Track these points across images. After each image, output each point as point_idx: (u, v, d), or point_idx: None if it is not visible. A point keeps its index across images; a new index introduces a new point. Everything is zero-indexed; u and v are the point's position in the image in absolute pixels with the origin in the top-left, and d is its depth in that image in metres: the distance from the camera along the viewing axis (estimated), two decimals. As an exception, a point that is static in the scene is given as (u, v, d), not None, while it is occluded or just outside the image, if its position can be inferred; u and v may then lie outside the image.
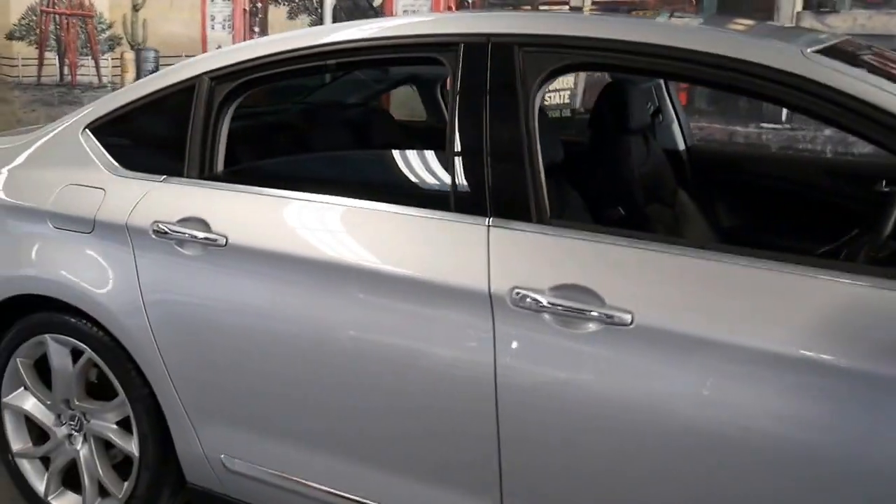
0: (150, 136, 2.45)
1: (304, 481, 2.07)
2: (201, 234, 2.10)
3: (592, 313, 1.61)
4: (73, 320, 2.35)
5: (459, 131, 1.88)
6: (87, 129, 2.44)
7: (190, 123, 2.25)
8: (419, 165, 2.09)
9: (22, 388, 2.55)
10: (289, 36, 2.26)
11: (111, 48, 6.01)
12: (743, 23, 2.14)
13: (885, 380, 1.43)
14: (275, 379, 2.03)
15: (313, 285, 1.94)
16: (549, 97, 4.74)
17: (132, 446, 2.35)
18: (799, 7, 4.23)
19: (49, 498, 2.53)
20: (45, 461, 2.57)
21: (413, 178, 2.07)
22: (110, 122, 2.42)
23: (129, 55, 5.97)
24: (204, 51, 5.66)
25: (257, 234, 2.05)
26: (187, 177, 2.23)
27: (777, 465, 1.51)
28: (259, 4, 5.46)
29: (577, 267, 1.66)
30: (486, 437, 1.76)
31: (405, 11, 5.04)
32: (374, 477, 1.97)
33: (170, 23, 5.81)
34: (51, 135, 2.55)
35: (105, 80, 6.05)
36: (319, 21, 5.28)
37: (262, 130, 2.79)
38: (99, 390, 2.45)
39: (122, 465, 2.48)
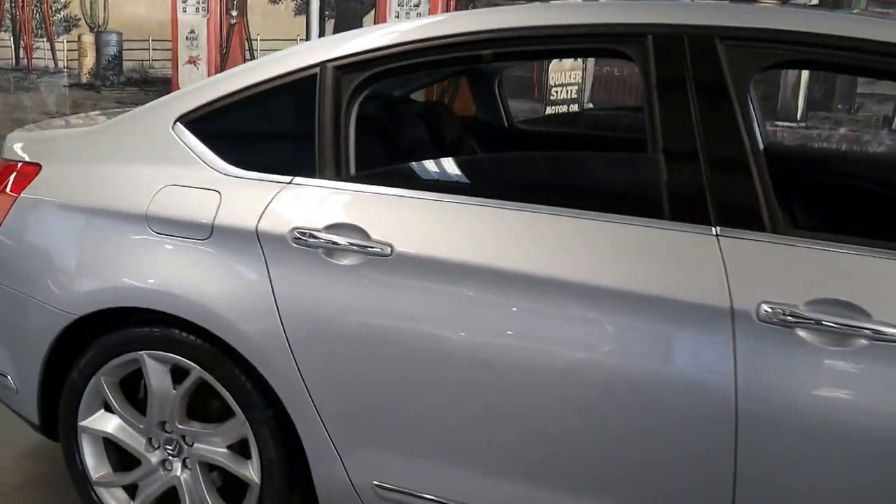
0: (263, 132, 2.24)
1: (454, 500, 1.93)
2: (362, 243, 1.92)
3: (862, 329, 1.55)
4: (180, 336, 2.12)
5: (665, 132, 1.77)
6: (178, 123, 2.20)
7: (316, 118, 2.06)
8: (614, 166, 1.97)
9: (101, 409, 2.30)
10: (432, 22, 2.08)
11: (67, 30, 5.56)
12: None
13: None
14: (452, 397, 1.87)
15: (510, 300, 1.79)
16: (556, 91, 4.68)
17: (250, 472, 2.15)
18: (809, 5, 4.32)
19: (139, 531, 2.30)
20: (131, 489, 2.33)
21: (612, 182, 1.94)
22: (209, 114, 2.19)
23: (88, 38, 5.55)
24: (174, 35, 5.32)
25: (430, 242, 1.88)
26: (320, 178, 2.04)
27: None
28: (238, -14, 5.16)
29: (835, 280, 1.59)
30: (720, 470, 1.67)
31: (402, -4, 4.87)
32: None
33: (134, 4, 5.42)
34: (128, 127, 2.30)
35: (61, 64, 5.59)
36: (306, 6, 5.04)
37: (397, 127, 2.59)
38: (199, 411, 2.24)
39: (221, 491, 2.27)
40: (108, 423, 2.30)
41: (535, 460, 1.84)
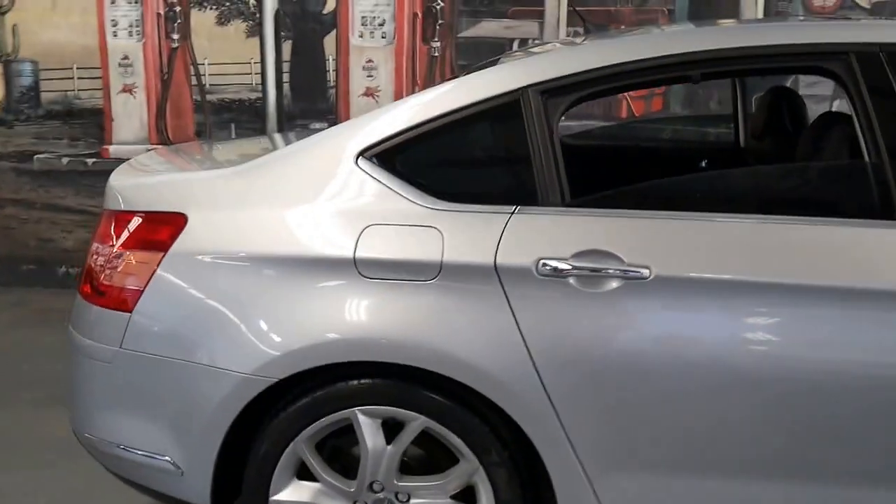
0: (463, 162, 2.13)
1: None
2: (617, 268, 1.88)
3: None
4: (403, 387, 1.98)
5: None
6: (362, 158, 2.05)
7: (530, 144, 1.99)
8: (846, 173, 2.03)
9: (294, 479, 2.10)
10: (635, 43, 2.08)
11: (-30, 61, 4.96)
12: None
13: None
14: (722, 412, 1.88)
15: (780, 310, 1.84)
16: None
17: (482, 520, 2.04)
18: (760, 14, 4.65)
19: None
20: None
21: (847, 189, 2.00)
22: (396, 147, 2.06)
23: (-4, 68, 4.98)
24: (104, 62, 4.89)
25: (689, 261, 1.88)
26: (543, 205, 1.97)
27: None
28: (178, 8, 4.82)
29: None
30: None
31: (363, 16, 4.74)
32: None
33: (52, 29, 4.93)
34: (296, 166, 2.11)
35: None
36: (259, 28, 4.79)
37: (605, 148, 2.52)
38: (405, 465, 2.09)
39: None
40: (305, 494, 2.10)
41: (821, 461, 1.89)
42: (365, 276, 1.97)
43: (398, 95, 4.80)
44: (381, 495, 2.08)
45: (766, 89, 3.06)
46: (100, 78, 4.92)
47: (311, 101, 4.87)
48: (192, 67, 4.87)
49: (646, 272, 1.87)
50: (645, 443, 1.93)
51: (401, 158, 2.06)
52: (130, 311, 2.09)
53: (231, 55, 4.84)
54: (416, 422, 2.00)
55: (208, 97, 4.90)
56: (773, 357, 1.84)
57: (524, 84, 2.02)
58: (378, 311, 1.97)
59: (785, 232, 1.88)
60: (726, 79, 2.75)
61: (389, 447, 2.03)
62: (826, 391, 1.83)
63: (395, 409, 2.00)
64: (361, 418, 2.01)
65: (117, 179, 2.29)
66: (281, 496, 2.08)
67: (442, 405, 1.98)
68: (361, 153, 2.06)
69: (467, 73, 2.20)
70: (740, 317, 1.86)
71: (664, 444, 1.92)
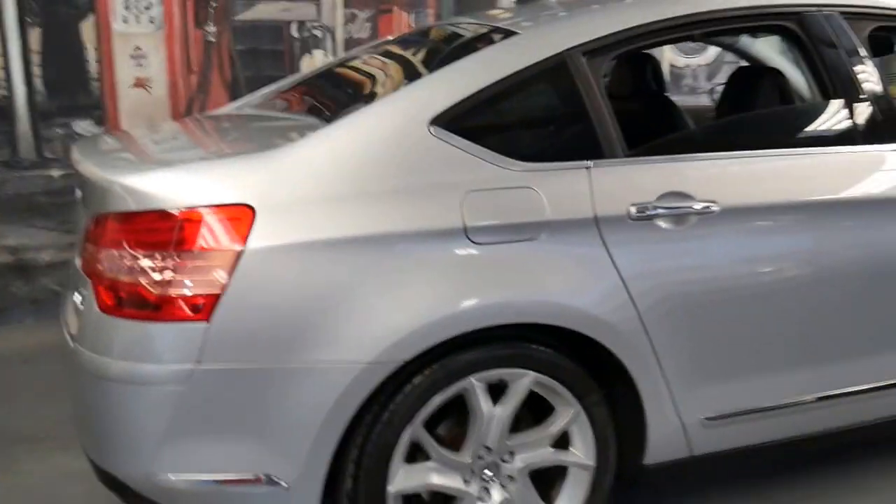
0: (527, 123, 2.20)
1: (784, 401, 2.31)
2: (691, 205, 2.11)
3: None
4: (516, 347, 2.03)
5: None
6: (434, 125, 2.03)
7: (586, 103, 2.14)
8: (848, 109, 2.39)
9: (403, 463, 2.01)
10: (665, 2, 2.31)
11: None
12: None
13: None
14: (779, 318, 2.23)
15: (822, 224, 2.25)
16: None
17: (583, 458, 2.15)
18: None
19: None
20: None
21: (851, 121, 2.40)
22: (464, 113, 2.07)
23: None
24: None
25: (745, 193, 2.19)
26: (611, 157, 2.13)
27: None
28: None
29: None
30: None
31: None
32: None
33: None
34: (362, 141, 2.00)
35: None
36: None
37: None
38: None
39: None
40: (418, 476, 2.03)
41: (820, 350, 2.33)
42: (476, 242, 1.96)
43: (173, 85, 4.43)
44: (488, 459, 2.09)
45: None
46: None
47: (71, 97, 4.27)
48: None
49: (715, 207, 2.14)
50: (722, 358, 2.21)
51: (468, 124, 2.06)
52: (207, 321, 1.83)
53: (-39, 47, 4.05)
54: (526, 378, 2.05)
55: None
56: (812, 263, 2.24)
57: (568, 47, 2.15)
58: (497, 275, 1.98)
59: (800, 160, 2.29)
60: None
61: (498, 409, 2.05)
62: (853, 285, 2.28)
63: (507, 370, 2.03)
64: (477, 385, 2.00)
65: (136, 179, 1.94)
66: (396, 483, 1.99)
67: (550, 358, 2.06)
68: (433, 122, 2.02)
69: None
70: (787, 233, 2.23)
71: (738, 355, 2.23)
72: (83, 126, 4.30)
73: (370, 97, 2.46)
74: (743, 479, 2.63)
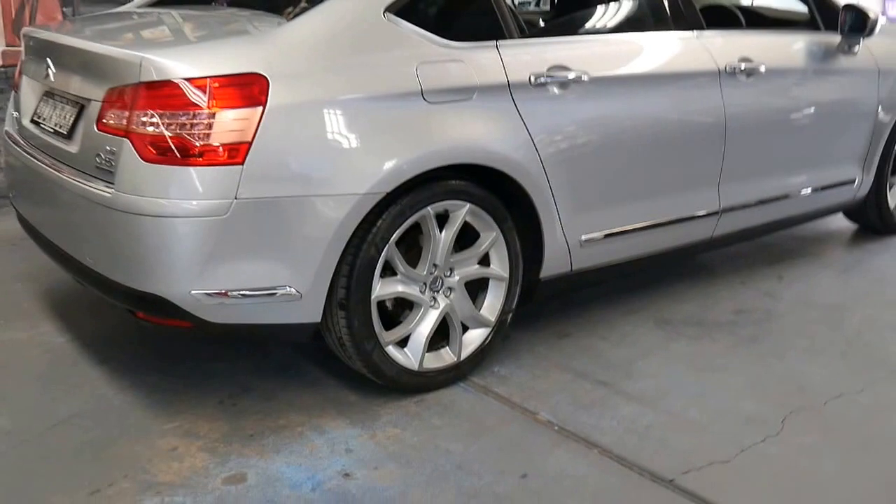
0: (455, 13, 2.84)
1: (632, 226, 3.16)
2: (570, 75, 2.84)
3: None
4: (458, 184, 2.65)
5: None
6: (387, 13, 2.58)
7: None
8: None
9: (380, 278, 2.59)
10: None
11: None
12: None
13: None
14: (629, 162, 3.05)
15: (655, 92, 3.09)
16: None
17: (500, 270, 2.84)
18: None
19: (425, 364, 2.73)
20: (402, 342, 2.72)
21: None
22: (411, 4, 2.64)
23: None
24: None
25: (605, 66, 2.96)
26: (510, 38, 2.81)
27: None
28: None
29: None
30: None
31: None
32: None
33: None
34: (334, 26, 2.51)
35: None
36: None
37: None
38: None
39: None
40: (392, 286, 2.62)
41: (660, 182, 3.22)
42: (429, 102, 2.55)
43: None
44: (436, 274, 2.73)
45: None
46: None
47: None
48: None
49: (585, 77, 2.89)
50: (590, 190, 3.00)
51: (412, 13, 2.64)
52: (242, 164, 2.28)
53: None
54: (464, 209, 2.69)
55: None
56: (654, 119, 3.10)
57: None
58: (448, 127, 2.59)
59: (661, 41, 3.16)
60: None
61: (444, 233, 2.69)
62: (678, 139, 3.17)
63: (452, 201, 2.66)
64: (430, 214, 2.62)
65: (150, 57, 2.32)
66: (376, 291, 2.58)
67: (481, 193, 2.72)
68: (387, 9, 2.58)
69: None
70: (635, 97, 3.05)
71: (599, 188, 3.03)
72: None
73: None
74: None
